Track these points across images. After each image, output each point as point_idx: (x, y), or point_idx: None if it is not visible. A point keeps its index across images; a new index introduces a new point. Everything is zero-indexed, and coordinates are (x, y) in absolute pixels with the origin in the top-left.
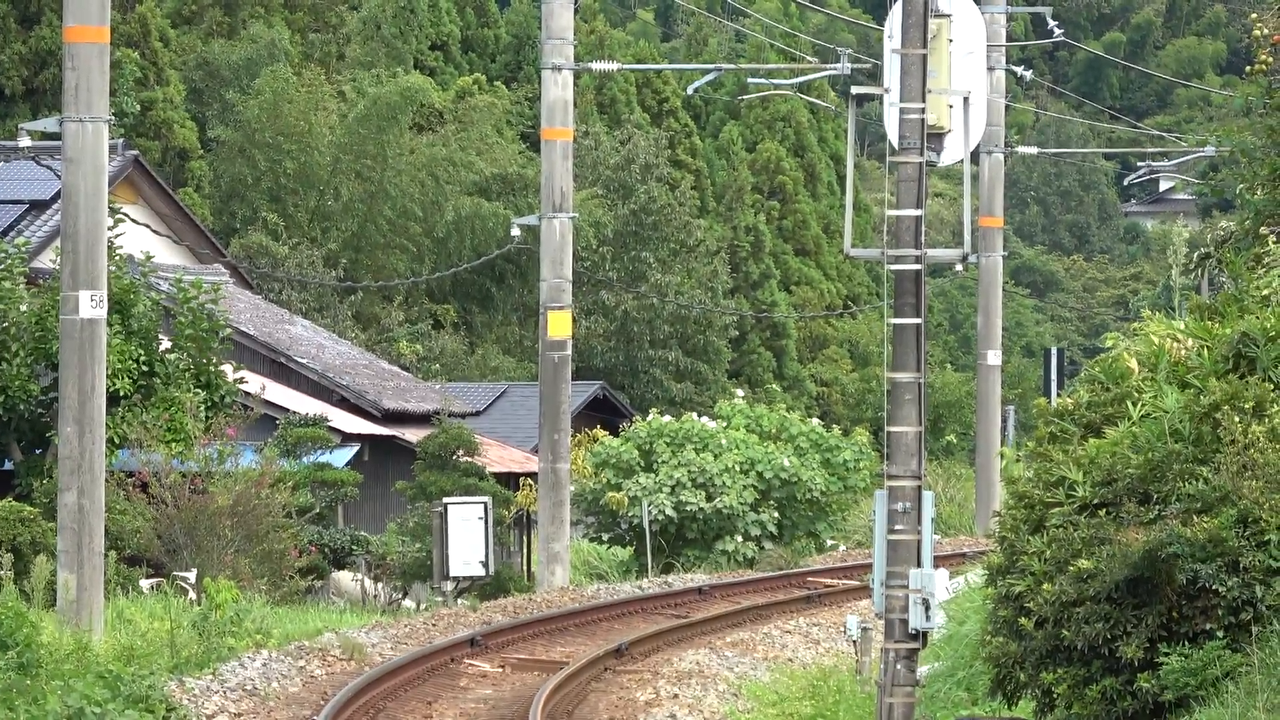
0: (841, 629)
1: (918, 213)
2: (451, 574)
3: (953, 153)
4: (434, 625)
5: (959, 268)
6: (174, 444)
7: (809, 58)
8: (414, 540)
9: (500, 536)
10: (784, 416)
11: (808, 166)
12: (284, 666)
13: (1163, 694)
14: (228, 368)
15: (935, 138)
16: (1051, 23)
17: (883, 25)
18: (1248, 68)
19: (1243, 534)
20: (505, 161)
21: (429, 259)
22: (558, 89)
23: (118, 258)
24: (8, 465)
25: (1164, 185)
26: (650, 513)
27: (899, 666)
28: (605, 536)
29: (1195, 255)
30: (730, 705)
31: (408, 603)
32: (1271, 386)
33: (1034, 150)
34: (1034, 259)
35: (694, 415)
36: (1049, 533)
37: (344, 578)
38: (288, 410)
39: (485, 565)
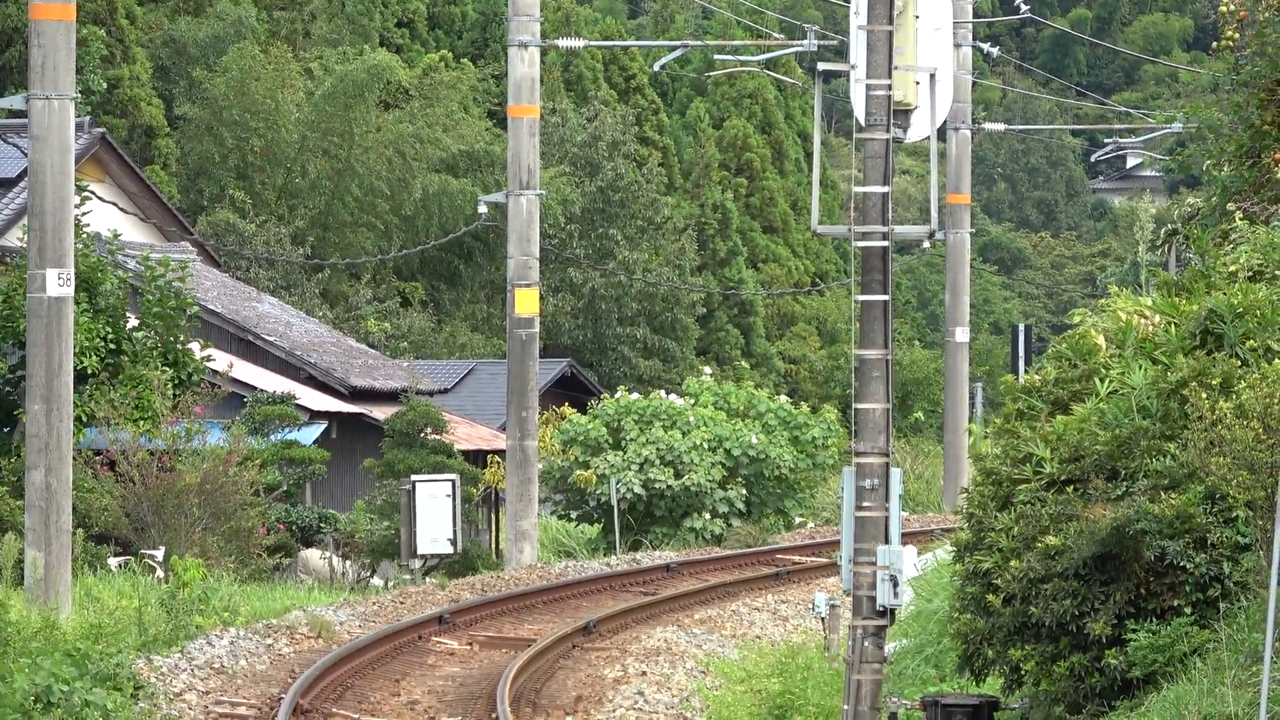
0: (810, 606)
1: (884, 189)
2: (419, 552)
3: (919, 129)
4: (402, 603)
5: (926, 245)
6: (141, 422)
7: (776, 34)
8: (382, 518)
9: (468, 514)
10: (752, 394)
11: (775, 143)
12: (252, 644)
13: (1130, 670)
14: (195, 345)
15: (902, 114)
16: None
17: (849, 2)
18: (1215, 44)
19: (1210, 510)
20: (472, 138)
21: (396, 236)
22: (524, 66)
23: (85, 235)
24: None
25: (1131, 162)
26: (618, 490)
27: (867, 643)
28: (573, 514)
29: (1163, 232)
30: (698, 682)
31: (376, 580)
32: (1239, 363)
33: (1001, 127)
34: (1001, 236)
35: (662, 393)
36: (1017, 509)
37: (312, 556)
38: (255, 388)
39: (453, 543)
